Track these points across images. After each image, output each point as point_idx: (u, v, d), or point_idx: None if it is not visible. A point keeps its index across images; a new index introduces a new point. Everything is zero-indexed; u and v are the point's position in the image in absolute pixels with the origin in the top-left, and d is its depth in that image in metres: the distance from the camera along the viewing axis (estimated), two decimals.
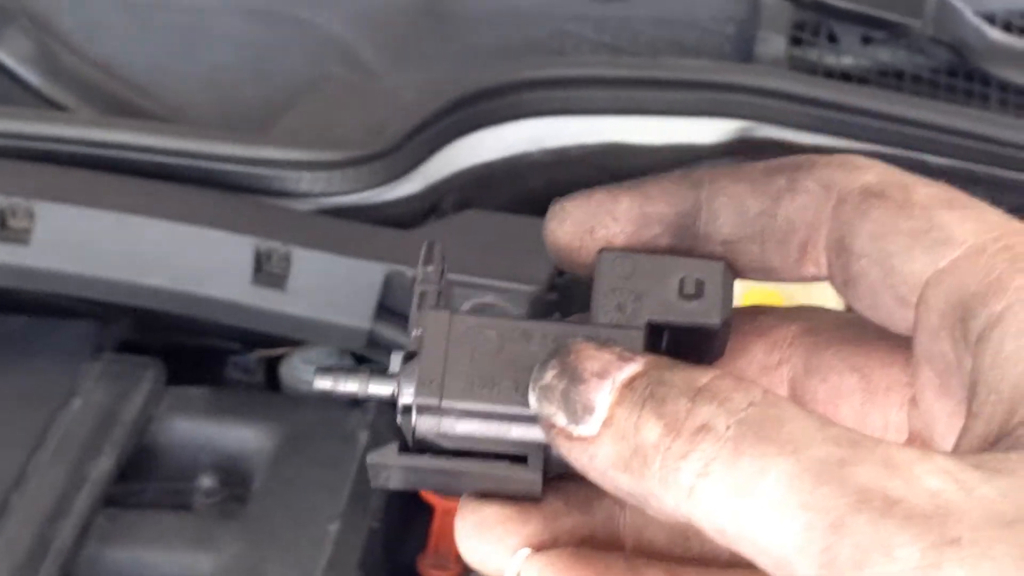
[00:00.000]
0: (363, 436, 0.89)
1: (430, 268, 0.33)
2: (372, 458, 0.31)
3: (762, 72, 1.03)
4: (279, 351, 0.98)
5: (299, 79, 1.08)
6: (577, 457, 0.28)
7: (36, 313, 0.96)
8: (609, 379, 0.28)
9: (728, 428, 0.26)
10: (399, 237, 0.94)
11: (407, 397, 0.31)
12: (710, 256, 0.32)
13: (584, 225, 0.33)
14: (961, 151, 0.99)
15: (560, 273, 0.96)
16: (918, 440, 0.32)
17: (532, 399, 0.29)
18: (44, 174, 0.95)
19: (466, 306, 0.89)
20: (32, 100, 1.07)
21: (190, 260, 0.91)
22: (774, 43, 1.06)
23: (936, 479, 0.25)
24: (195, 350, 0.99)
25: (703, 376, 0.28)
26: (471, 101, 1.00)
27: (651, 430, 0.27)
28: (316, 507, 0.85)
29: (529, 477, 0.31)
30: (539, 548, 0.31)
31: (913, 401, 0.32)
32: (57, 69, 1.09)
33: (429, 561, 0.87)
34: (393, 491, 0.88)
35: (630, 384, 0.28)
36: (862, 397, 0.33)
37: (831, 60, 1.07)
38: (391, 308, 0.91)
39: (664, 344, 0.32)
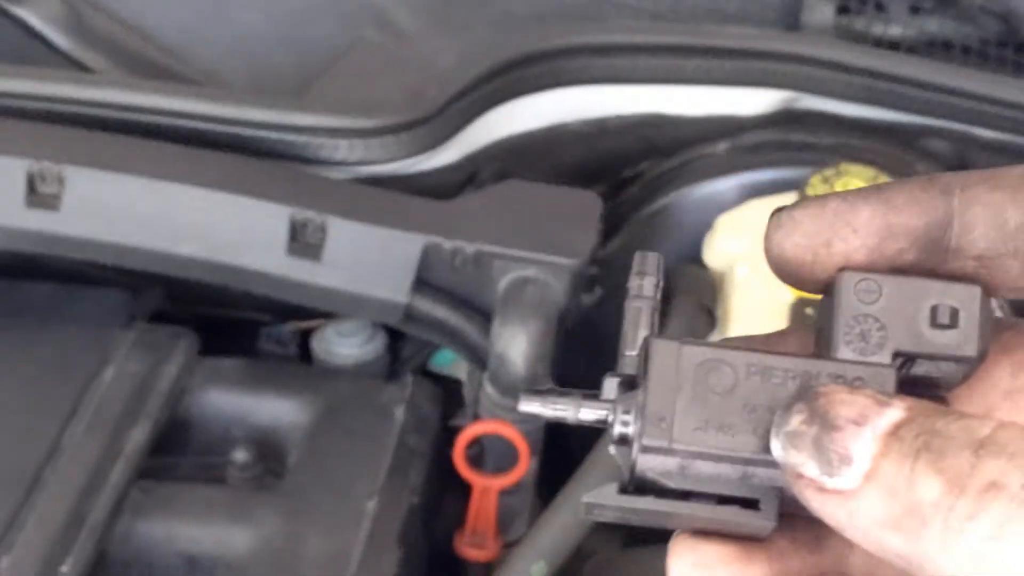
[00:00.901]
0: (399, 411, 0.88)
1: (645, 281, 0.31)
2: (589, 498, 0.30)
3: (808, 40, 1.01)
4: (313, 323, 0.96)
5: (332, 44, 1.06)
6: (832, 512, 0.26)
7: (66, 281, 0.94)
8: (868, 426, 0.26)
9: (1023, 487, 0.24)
10: (437, 208, 0.92)
11: (625, 427, 0.29)
12: (962, 276, 0.29)
13: (818, 238, 0.30)
14: (1012, 124, 0.97)
15: (602, 245, 0.94)
16: None
17: (776, 446, 0.27)
18: (74, 138, 0.93)
19: (505, 281, 0.87)
20: (60, 62, 1.05)
21: (224, 229, 0.89)
22: (821, 11, 1.03)
23: None
24: (227, 322, 0.97)
25: (983, 426, 0.25)
26: (509, 68, 0.98)
27: (930, 486, 0.25)
28: (353, 482, 0.83)
29: (762, 524, 0.29)
30: None
31: None
32: (85, 31, 1.06)
33: (467, 540, 0.85)
34: (430, 468, 0.87)
35: (896, 433, 0.26)
36: None
37: (878, 29, 1.04)
38: (428, 281, 0.89)
39: (908, 372, 0.30)
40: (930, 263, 0.30)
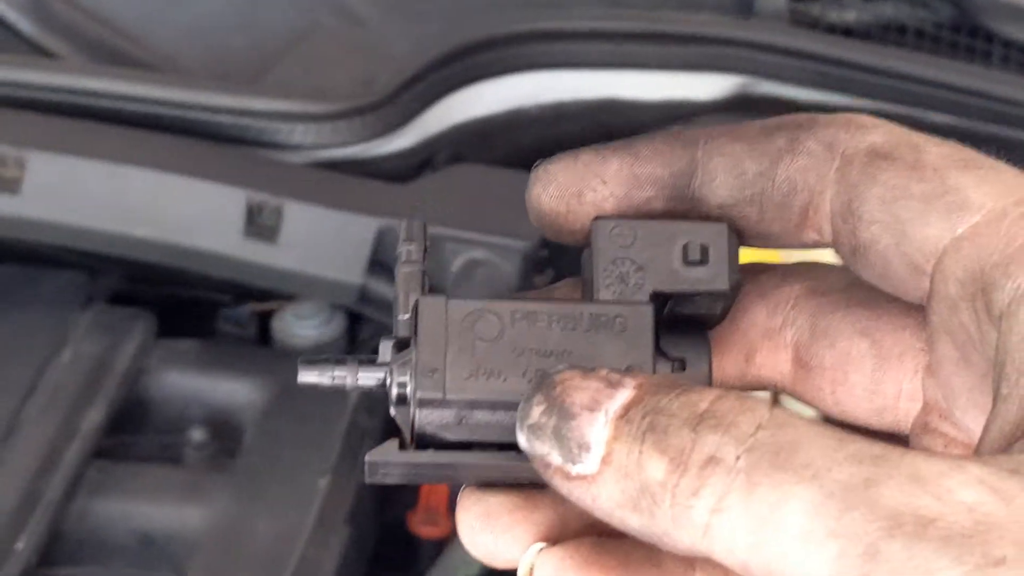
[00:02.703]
0: (353, 393, 0.89)
1: (412, 246, 0.31)
2: (372, 456, 0.30)
3: (762, 27, 1.02)
4: (271, 305, 0.97)
5: (289, 29, 1.07)
6: (580, 497, 0.27)
7: (27, 263, 0.95)
8: (601, 411, 0.26)
9: (738, 458, 0.25)
10: (392, 191, 0.93)
11: (402, 387, 0.29)
12: (709, 218, 0.30)
13: (571, 189, 0.31)
14: (963, 108, 0.98)
15: None
16: (935, 411, 0.31)
17: (521, 439, 0.27)
18: (35, 123, 0.95)
19: (457, 263, 0.88)
20: (23, 48, 1.06)
21: (181, 212, 0.91)
22: None
23: (971, 491, 0.24)
24: (187, 302, 0.98)
25: (703, 399, 0.26)
26: (465, 54, 0.99)
27: (656, 467, 0.25)
28: (306, 462, 0.84)
29: None
30: (549, 537, 0.30)
31: (928, 369, 0.31)
32: (48, 16, 1.08)
33: (419, 518, 0.87)
34: None
35: (625, 415, 0.26)
36: (873, 363, 0.31)
37: (833, 15, 1.05)
38: (383, 263, 0.90)
39: (667, 311, 0.30)
40: (678, 211, 0.31)
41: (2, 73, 0.97)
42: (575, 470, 0.26)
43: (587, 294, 0.31)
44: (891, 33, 1.05)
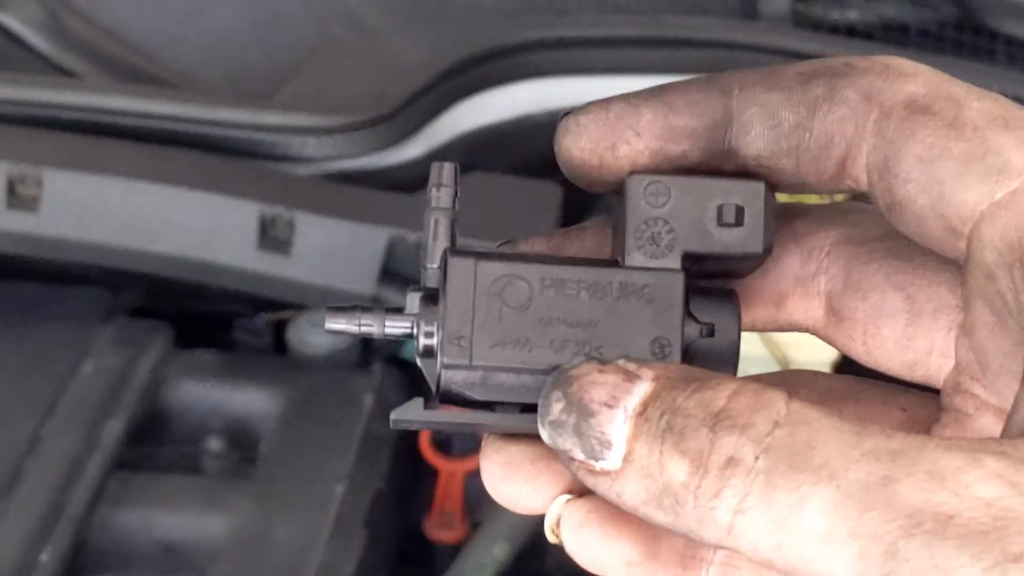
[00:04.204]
0: (368, 399, 0.91)
1: (442, 192, 0.31)
2: (397, 415, 0.30)
3: (766, 29, 1.03)
4: (286, 314, 0.99)
5: (303, 42, 1.09)
6: (605, 491, 0.27)
7: (47, 280, 0.97)
8: (620, 408, 0.26)
9: (757, 459, 0.25)
10: (402, 201, 0.94)
11: (429, 339, 0.30)
12: (745, 173, 0.29)
13: (603, 142, 0.30)
14: None
15: None
16: (967, 372, 0.30)
17: (544, 435, 0.27)
18: (52, 141, 0.97)
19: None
20: (40, 66, 1.08)
21: (196, 226, 0.92)
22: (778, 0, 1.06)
23: (989, 487, 0.24)
24: (204, 314, 1.00)
25: (719, 396, 0.26)
26: (474, 63, 1.01)
27: (677, 469, 0.26)
28: (323, 469, 0.86)
29: None
30: (570, 487, 0.30)
31: (962, 329, 0.30)
32: (65, 35, 1.09)
33: (434, 522, 0.88)
34: (397, 453, 0.90)
35: (644, 413, 0.26)
36: (906, 319, 0.30)
37: (836, 15, 1.06)
38: (395, 272, 0.91)
39: (699, 267, 0.30)
40: (714, 163, 0.30)
41: (19, 92, 0.99)
42: (599, 466, 0.27)
43: (617, 247, 0.30)
44: (894, 33, 1.06)
